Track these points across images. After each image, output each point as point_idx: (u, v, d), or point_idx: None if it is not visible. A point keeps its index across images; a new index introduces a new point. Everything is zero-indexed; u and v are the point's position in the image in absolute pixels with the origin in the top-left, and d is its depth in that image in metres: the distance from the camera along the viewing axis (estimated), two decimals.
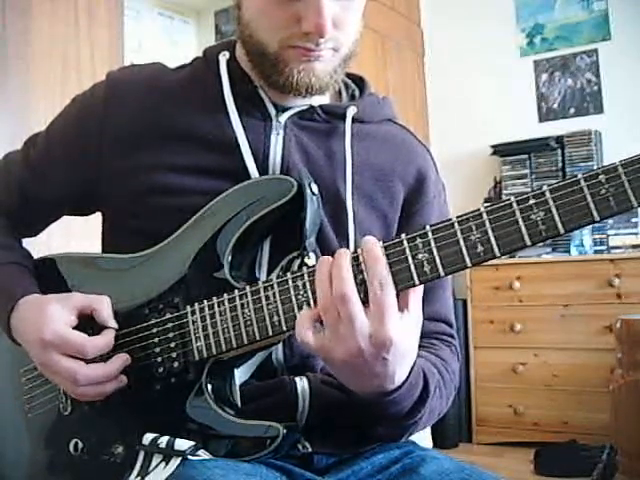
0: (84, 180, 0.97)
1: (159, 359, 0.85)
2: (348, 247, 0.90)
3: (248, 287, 0.81)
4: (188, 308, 0.84)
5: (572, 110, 3.53)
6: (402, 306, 0.72)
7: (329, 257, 0.74)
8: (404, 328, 0.72)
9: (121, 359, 0.84)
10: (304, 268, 0.78)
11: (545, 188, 0.67)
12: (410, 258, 0.71)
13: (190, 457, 0.76)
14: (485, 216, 0.69)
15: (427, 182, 0.98)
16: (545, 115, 3.60)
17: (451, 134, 3.74)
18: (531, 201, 0.68)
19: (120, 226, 0.96)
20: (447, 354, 0.95)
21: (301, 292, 0.77)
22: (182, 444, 0.77)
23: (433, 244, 0.71)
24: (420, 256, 0.71)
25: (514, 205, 0.68)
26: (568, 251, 3.20)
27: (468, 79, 3.74)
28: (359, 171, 0.94)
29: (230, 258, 0.85)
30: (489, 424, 3.24)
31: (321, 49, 0.86)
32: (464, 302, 3.30)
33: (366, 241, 0.73)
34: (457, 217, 0.71)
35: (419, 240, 0.71)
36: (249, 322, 0.80)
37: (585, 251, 3.21)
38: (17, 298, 0.89)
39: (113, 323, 0.86)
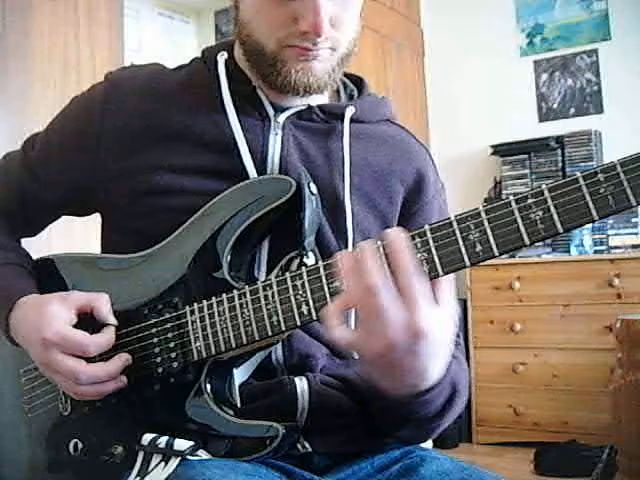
0: (83, 180, 0.97)
1: (158, 359, 0.85)
2: (347, 247, 0.90)
3: (247, 287, 0.81)
4: (187, 308, 0.84)
5: (572, 110, 3.53)
6: (433, 297, 0.70)
7: (349, 251, 0.72)
8: (437, 319, 0.70)
9: (122, 358, 0.84)
10: (303, 268, 0.78)
11: (544, 187, 0.67)
12: None
13: (189, 457, 0.77)
14: (484, 215, 0.69)
15: (426, 182, 0.98)
16: (545, 115, 3.60)
17: (451, 134, 3.74)
18: (530, 200, 0.68)
19: (119, 226, 0.96)
20: (457, 352, 0.95)
21: (300, 292, 0.77)
22: (181, 444, 0.77)
23: (432, 244, 0.71)
24: (419, 256, 0.71)
25: (513, 204, 0.68)
26: (568, 251, 3.21)
27: (468, 79, 3.74)
28: (358, 171, 0.94)
29: (229, 258, 0.84)
30: (489, 424, 3.24)
31: (319, 48, 0.86)
32: (464, 302, 3.30)
33: (389, 232, 0.71)
34: (456, 216, 0.71)
35: (418, 240, 0.71)
36: (248, 322, 0.80)
37: (585, 251, 3.21)
38: (16, 299, 0.89)
39: (113, 320, 0.86)
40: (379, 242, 0.71)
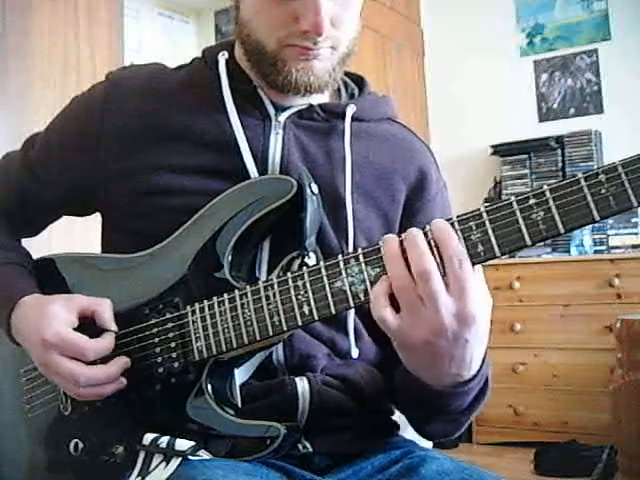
0: (83, 180, 0.97)
1: (159, 359, 0.85)
2: (348, 246, 0.90)
3: (248, 287, 0.81)
4: (188, 308, 0.84)
5: (572, 110, 3.53)
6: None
7: (394, 236, 0.71)
8: (483, 305, 0.70)
9: (121, 361, 0.84)
10: (304, 268, 0.78)
11: (545, 188, 0.67)
12: None
13: (190, 457, 0.76)
14: (485, 216, 0.69)
15: (429, 180, 0.98)
16: (545, 115, 3.60)
17: (451, 134, 3.74)
18: (531, 201, 0.68)
19: (120, 226, 0.96)
20: None
21: (301, 292, 0.77)
22: (183, 444, 0.77)
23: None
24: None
25: (514, 205, 0.68)
26: (568, 251, 3.21)
27: (468, 79, 3.74)
28: (359, 169, 0.94)
29: (230, 258, 0.84)
30: (489, 424, 3.24)
31: (319, 48, 0.86)
32: None
33: (436, 222, 0.71)
34: (457, 217, 0.71)
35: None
36: (249, 322, 0.79)
37: (585, 251, 3.21)
38: (17, 298, 0.89)
39: (114, 326, 0.86)
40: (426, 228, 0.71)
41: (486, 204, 0.70)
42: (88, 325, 0.86)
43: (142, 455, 0.80)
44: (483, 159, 3.66)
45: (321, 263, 0.76)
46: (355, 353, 0.91)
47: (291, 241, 0.85)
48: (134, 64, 1.04)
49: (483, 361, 0.77)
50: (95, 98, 0.97)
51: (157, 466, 0.77)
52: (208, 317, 0.82)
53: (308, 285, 0.76)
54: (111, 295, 0.88)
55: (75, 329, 0.84)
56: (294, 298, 0.77)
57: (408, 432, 0.96)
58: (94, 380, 0.82)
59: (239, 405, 0.84)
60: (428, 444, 0.94)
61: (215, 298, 0.82)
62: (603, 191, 0.65)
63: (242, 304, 0.80)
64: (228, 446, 0.81)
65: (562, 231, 0.66)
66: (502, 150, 3.50)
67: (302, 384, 0.87)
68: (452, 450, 3.12)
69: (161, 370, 0.85)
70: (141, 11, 3.74)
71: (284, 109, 0.93)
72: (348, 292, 0.74)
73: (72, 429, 0.90)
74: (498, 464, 2.85)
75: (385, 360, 0.93)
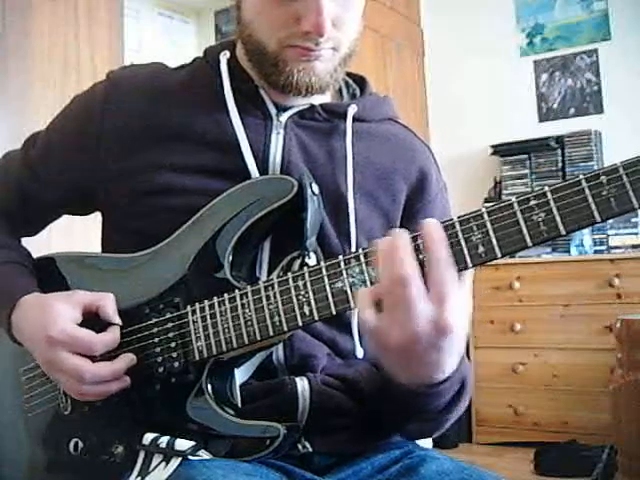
0: (83, 179, 0.97)
1: (159, 359, 0.85)
2: (350, 247, 0.90)
3: (249, 287, 0.80)
4: (188, 308, 0.84)
5: (572, 110, 3.53)
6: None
7: (389, 238, 0.71)
8: (460, 314, 0.70)
9: (127, 358, 0.84)
10: (305, 268, 0.78)
11: (546, 189, 0.67)
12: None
13: (190, 457, 0.76)
14: (486, 217, 0.69)
15: (429, 180, 0.98)
16: (545, 115, 3.60)
17: (451, 134, 3.74)
18: (532, 202, 0.68)
19: (120, 226, 0.96)
20: None
21: (302, 292, 0.77)
22: (182, 444, 0.77)
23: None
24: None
25: (515, 206, 0.68)
26: (568, 251, 3.21)
27: (468, 79, 3.74)
28: (360, 170, 0.94)
29: (231, 258, 0.84)
30: (489, 424, 3.24)
31: (321, 49, 0.86)
32: None
33: (428, 222, 0.70)
34: (458, 217, 0.71)
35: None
36: (250, 322, 0.79)
37: (585, 251, 3.21)
38: (18, 297, 0.89)
39: (118, 320, 0.86)
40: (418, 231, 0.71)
41: (487, 205, 0.70)
42: (92, 320, 0.86)
43: (142, 455, 0.80)
44: (483, 159, 3.66)
45: (322, 263, 0.76)
46: (360, 353, 0.91)
47: (292, 241, 0.85)
48: (134, 64, 1.03)
49: (460, 364, 0.77)
50: (95, 98, 0.96)
51: (157, 466, 0.77)
52: (208, 317, 0.82)
53: (309, 285, 0.76)
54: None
55: (79, 325, 0.84)
56: (294, 298, 0.77)
57: None
58: (99, 377, 0.82)
59: (239, 405, 0.84)
60: (428, 444, 0.94)
61: (215, 298, 0.82)
62: (604, 193, 0.65)
63: (242, 304, 0.80)
64: (228, 446, 0.81)
65: (563, 232, 0.66)
66: (502, 150, 3.50)
67: (302, 384, 0.87)
68: (452, 450, 3.12)
69: (161, 370, 0.85)
70: (141, 11, 3.74)
71: (285, 109, 0.93)
72: (349, 292, 0.74)
73: (72, 429, 0.90)
74: (498, 464, 2.85)
75: None
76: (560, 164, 3.36)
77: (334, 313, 0.75)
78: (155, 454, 0.78)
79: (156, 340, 0.85)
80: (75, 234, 1.74)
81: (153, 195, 0.91)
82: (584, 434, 2.90)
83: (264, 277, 0.88)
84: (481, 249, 0.69)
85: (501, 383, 3.21)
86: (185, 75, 0.97)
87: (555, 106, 3.58)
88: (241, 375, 0.86)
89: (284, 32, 0.85)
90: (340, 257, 0.76)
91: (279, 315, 0.78)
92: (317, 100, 0.94)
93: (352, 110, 0.95)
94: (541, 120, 3.60)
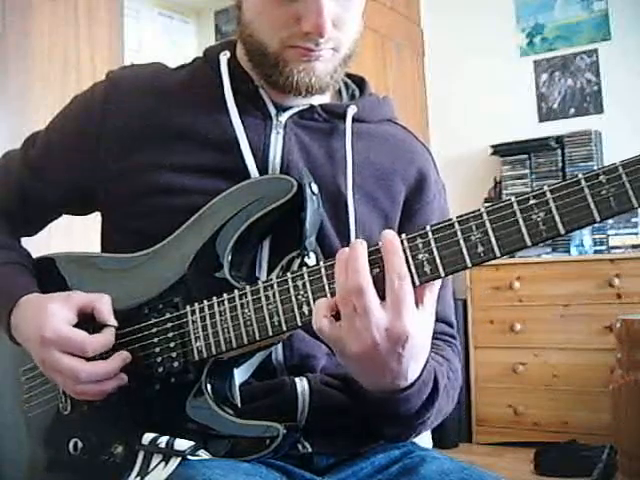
0: (83, 179, 0.97)
1: (159, 359, 0.85)
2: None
3: (248, 287, 0.80)
4: (188, 308, 0.84)
5: (572, 110, 3.53)
6: (417, 301, 0.71)
7: (346, 249, 0.72)
8: (420, 323, 0.71)
9: (121, 356, 0.84)
10: (304, 268, 0.78)
11: (546, 188, 0.67)
12: (410, 258, 0.71)
13: (190, 457, 0.76)
14: (485, 216, 0.69)
15: (428, 182, 0.98)
16: (545, 115, 3.60)
17: (451, 134, 3.74)
18: (532, 201, 0.67)
19: (120, 226, 0.96)
20: (450, 354, 0.95)
21: (301, 292, 0.77)
22: (182, 444, 0.77)
23: (433, 244, 0.71)
24: (420, 256, 0.71)
25: (514, 205, 0.68)
26: (568, 251, 3.21)
27: (468, 79, 3.74)
28: (360, 170, 0.94)
29: (230, 258, 0.84)
30: (489, 424, 3.24)
31: (321, 49, 0.86)
32: (464, 302, 3.29)
33: (386, 234, 0.72)
34: (457, 217, 0.71)
35: (419, 240, 0.71)
36: (249, 322, 0.79)
37: (585, 251, 3.21)
38: (17, 297, 0.89)
39: (113, 321, 0.86)
40: (379, 243, 0.72)
41: (486, 204, 0.70)
42: (88, 321, 0.86)
43: (141, 455, 0.80)
44: (483, 159, 3.66)
45: (321, 263, 0.76)
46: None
47: (291, 241, 0.85)
48: (134, 64, 1.03)
49: (424, 370, 0.77)
50: (95, 98, 0.96)
51: (156, 466, 0.77)
52: (208, 317, 0.82)
53: (308, 285, 0.76)
54: (111, 294, 0.88)
55: (75, 326, 0.84)
56: (294, 298, 0.77)
57: None
58: (95, 375, 0.82)
59: (239, 405, 0.84)
60: (428, 444, 0.94)
61: (215, 298, 0.82)
62: (604, 192, 0.65)
63: (242, 304, 0.80)
64: (227, 446, 0.81)
65: (562, 232, 0.66)
66: (502, 150, 3.50)
67: (302, 384, 0.87)
68: (452, 450, 3.12)
69: (161, 370, 0.85)
70: (141, 11, 3.74)
71: (285, 109, 0.93)
72: None
73: (71, 428, 0.90)
74: (498, 464, 2.85)
75: None
76: (560, 164, 3.36)
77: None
78: (154, 454, 0.78)
79: (155, 340, 0.85)
80: (75, 234, 1.74)
81: (153, 195, 0.91)
82: (584, 434, 2.90)
83: (263, 277, 0.88)
84: (480, 249, 0.69)
85: (501, 383, 3.21)
86: (185, 75, 0.97)
87: (555, 106, 3.58)
88: (241, 375, 0.86)
89: (284, 32, 0.85)
90: None
91: (278, 315, 0.78)
92: (317, 100, 0.94)
93: (352, 111, 0.95)
94: (541, 120, 3.60)
